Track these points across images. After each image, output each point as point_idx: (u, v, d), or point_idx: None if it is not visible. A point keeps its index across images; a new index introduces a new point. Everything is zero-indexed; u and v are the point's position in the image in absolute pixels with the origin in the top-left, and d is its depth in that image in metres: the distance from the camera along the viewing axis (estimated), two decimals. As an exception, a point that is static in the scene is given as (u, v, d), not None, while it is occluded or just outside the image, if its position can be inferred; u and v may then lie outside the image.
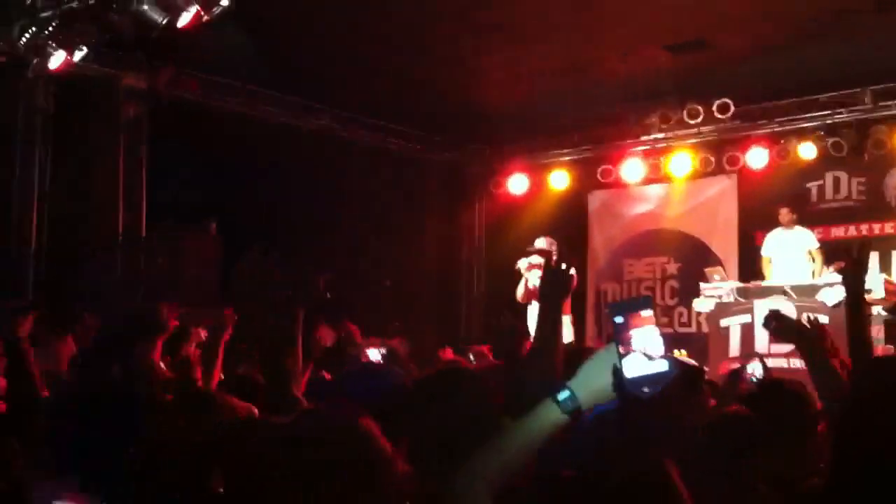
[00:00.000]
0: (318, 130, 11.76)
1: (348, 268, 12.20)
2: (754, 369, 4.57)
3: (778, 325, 3.53)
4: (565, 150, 13.07)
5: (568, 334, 9.86)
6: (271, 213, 11.06)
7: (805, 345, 3.38)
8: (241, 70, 10.35)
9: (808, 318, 3.73)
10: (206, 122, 10.50)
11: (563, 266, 3.17)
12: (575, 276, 3.34)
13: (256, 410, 3.13)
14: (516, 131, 12.79)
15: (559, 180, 13.10)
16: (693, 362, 3.82)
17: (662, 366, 2.31)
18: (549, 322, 3.13)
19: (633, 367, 2.22)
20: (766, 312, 9.68)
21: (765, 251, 10.77)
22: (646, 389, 2.20)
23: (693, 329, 11.81)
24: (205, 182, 10.19)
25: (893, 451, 2.00)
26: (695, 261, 11.90)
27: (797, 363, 3.52)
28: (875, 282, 9.62)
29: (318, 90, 11.22)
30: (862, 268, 3.41)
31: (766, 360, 5.05)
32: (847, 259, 3.49)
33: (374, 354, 7.93)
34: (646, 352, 2.17)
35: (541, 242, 10.22)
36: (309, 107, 11.66)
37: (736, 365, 7.38)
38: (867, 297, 9.34)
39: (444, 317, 13.38)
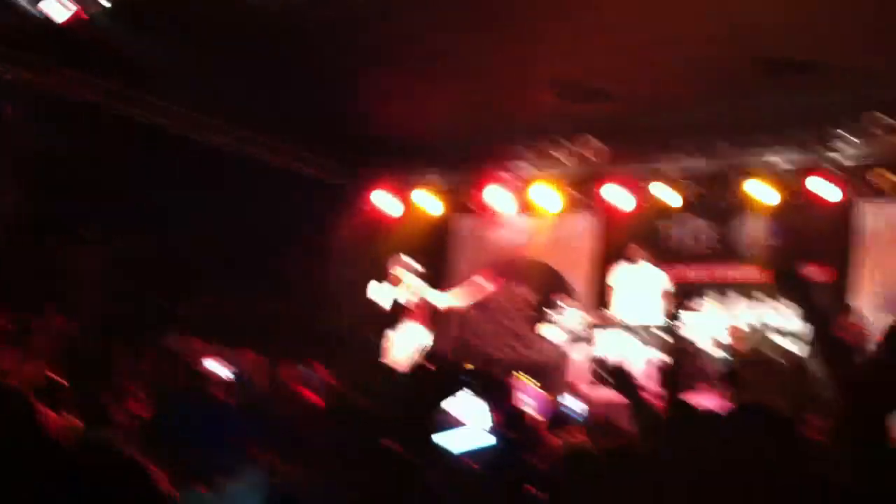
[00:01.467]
0: (186, 134, 11.46)
1: (211, 278, 11.98)
2: (571, 402, 4.73)
3: (614, 382, 3.73)
4: (436, 174, 13.16)
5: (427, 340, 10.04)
6: (137, 217, 10.80)
7: (629, 394, 3.60)
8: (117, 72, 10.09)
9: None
10: (86, 122, 10.20)
11: None
12: None
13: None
14: (389, 150, 12.80)
15: (428, 203, 13.18)
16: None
17: (489, 439, 2.37)
18: None
19: (461, 440, 2.27)
20: (610, 345, 10.02)
21: (611, 282, 11.10)
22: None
23: (544, 357, 12.02)
24: (84, 186, 9.91)
25: None
26: (552, 292, 12.13)
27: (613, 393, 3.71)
28: (720, 326, 10.03)
29: (190, 95, 10.96)
30: (674, 324, 3.69)
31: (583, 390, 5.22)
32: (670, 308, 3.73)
33: (223, 371, 7.83)
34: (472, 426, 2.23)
35: (407, 259, 10.71)
36: (174, 110, 11.34)
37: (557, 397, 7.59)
38: (714, 339, 9.71)
39: (306, 331, 13.22)
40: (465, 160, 12.77)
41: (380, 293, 10.28)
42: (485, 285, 10.91)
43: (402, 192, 13.36)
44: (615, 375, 3.78)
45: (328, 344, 13.11)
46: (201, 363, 8.89)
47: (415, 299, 10.29)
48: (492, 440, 2.45)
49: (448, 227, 13.44)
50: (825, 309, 2.86)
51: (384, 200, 13.39)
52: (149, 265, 10.95)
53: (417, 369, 3.09)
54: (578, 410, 4.89)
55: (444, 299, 11.15)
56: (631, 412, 3.67)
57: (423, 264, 10.88)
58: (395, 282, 10.29)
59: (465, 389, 2.56)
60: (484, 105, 10.65)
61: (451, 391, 2.53)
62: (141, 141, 10.68)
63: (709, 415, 3.09)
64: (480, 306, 12.67)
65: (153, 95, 10.83)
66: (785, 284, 2.93)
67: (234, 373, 7.71)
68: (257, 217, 12.33)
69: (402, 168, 13.22)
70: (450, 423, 2.43)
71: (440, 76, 10.02)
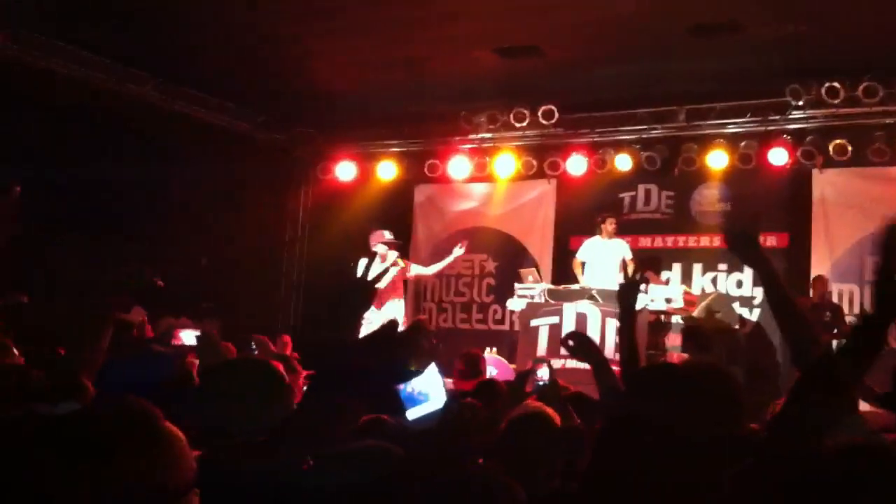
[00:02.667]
0: (139, 98, 11.33)
1: (165, 244, 11.89)
2: (542, 373, 4.81)
3: (573, 346, 3.77)
4: (395, 142, 13.13)
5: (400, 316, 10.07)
6: (82, 180, 10.63)
7: (591, 360, 3.65)
8: (56, 26, 9.88)
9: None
10: (15, 77, 9.99)
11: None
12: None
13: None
14: (348, 118, 12.74)
15: (387, 171, 13.18)
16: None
17: (443, 400, 2.44)
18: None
19: (415, 410, 2.34)
20: (573, 315, 10.05)
21: (580, 255, 11.03)
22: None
23: (506, 327, 12.13)
24: (12, 142, 9.67)
25: (643, 467, 2.12)
26: (512, 260, 12.21)
27: (582, 364, 3.79)
28: (676, 292, 10.16)
29: (142, 56, 10.80)
30: (636, 286, 3.71)
31: (559, 360, 5.32)
32: (625, 276, 3.75)
33: (188, 337, 7.77)
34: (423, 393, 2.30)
35: (388, 234, 10.57)
36: (130, 72, 11.17)
37: (527, 367, 7.65)
38: (669, 307, 9.82)
39: (262, 301, 13.22)
40: (423, 128, 12.78)
41: (366, 270, 10.05)
42: (457, 254, 10.81)
43: (363, 161, 13.33)
44: (575, 343, 3.84)
45: (284, 318, 13.14)
46: (155, 331, 8.86)
47: (394, 274, 10.14)
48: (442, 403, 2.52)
49: (407, 196, 13.44)
50: (778, 273, 2.87)
51: (345, 169, 13.36)
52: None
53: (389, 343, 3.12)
54: (542, 380, 5.00)
55: (422, 271, 11.09)
56: (594, 378, 3.73)
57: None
58: (381, 258, 10.12)
59: (429, 364, 2.59)
60: (426, 65, 10.64)
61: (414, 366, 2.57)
62: (72, 97, 10.44)
63: (657, 375, 3.11)
64: (441, 276, 12.75)
65: (79, 46, 10.51)
66: (738, 247, 2.92)
67: (197, 337, 7.63)
68: (216, 184, 12.25)
69: (362, 137, 13.18)
70: (415, 397, 2.47)
71: (378, 36, 10.02)
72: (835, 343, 9.66)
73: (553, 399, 4.91)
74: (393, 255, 10.14)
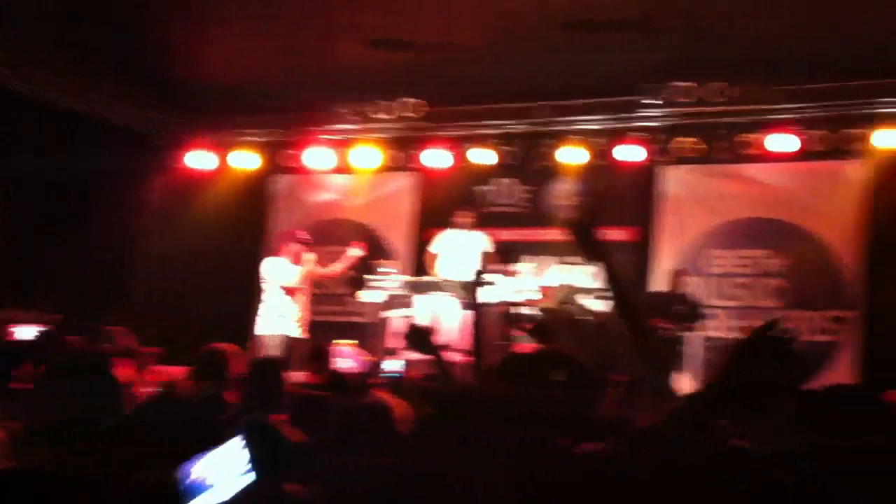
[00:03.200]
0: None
1: (12, 233, 11.38)
2: (392, 364, 4.85)
3: (411, 340, 3.85)
4: (253, 131, 12.91)
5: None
6: None
7: (428, 352, 3.72)
8: None
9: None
10: None
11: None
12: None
13: None
14: (205, 105, 12.45)
15: (244, 160, 12.94)
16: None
17: (249, 479, 2.13)
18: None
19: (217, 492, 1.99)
20: (425, 307, 10.09)
21: (432, 248, 11.02)
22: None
23: (363, 319, 12.06)
24: None
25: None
26: (371, 253, 12.12)
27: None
28: (530, 284, 10.34)
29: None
30: (481, 283, 3.83)
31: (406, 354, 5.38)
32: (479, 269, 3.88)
33: (27, 332, 7.45)
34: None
35: (303, 234, 10.10)
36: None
37: (373, 359, 7.64)
38: (524, 298, 9.96)
39: (114, 294, 12.75)
40: (282, 117, 12.60)
41: (277, 270, 9.55)
42: (354, 254, 10.39)
43: (219, 149, 13.04)
44: (412, 336, 3.89)
45: (136, 308, 12.71)
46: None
47: (305, 275, 9.72)
48: (252, 478, 2.16)
49: (265, 186, 13.24)
50: (619, 266, 2.95)
51: (200, 158, 13.03)
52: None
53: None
54: (396, 371, 5.01)
55: (324, 272, 10.63)
56: (433, 370, 3.79)
57: (239, 224, 10.59)
58: (297, 260, 9.58)
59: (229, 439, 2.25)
60: (294, 55, 10.51)
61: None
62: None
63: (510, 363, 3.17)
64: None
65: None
66: (579, 241, 2.99)
67: (40, 332, 7.35)
68: (63, 169, 11.73)
69: (220, 125, 12.90)
70: (198, 485, 2.06)
71: (246, 21, 9.84)
72: (686, 334, 10.03)
73: (405, 390, 4.94)
74: (311, 256, 9.65)
